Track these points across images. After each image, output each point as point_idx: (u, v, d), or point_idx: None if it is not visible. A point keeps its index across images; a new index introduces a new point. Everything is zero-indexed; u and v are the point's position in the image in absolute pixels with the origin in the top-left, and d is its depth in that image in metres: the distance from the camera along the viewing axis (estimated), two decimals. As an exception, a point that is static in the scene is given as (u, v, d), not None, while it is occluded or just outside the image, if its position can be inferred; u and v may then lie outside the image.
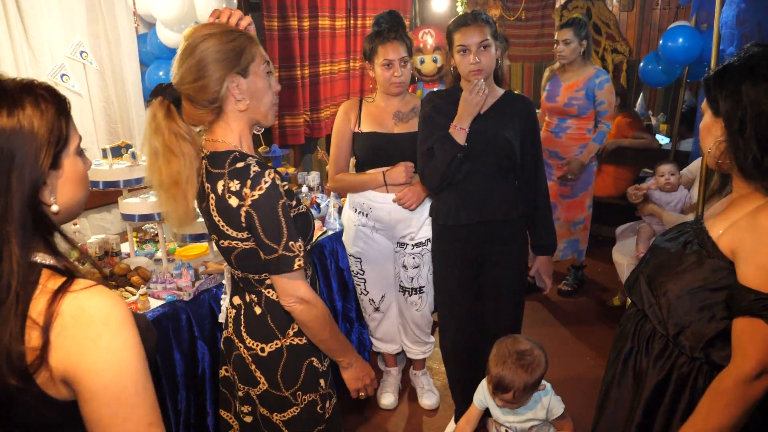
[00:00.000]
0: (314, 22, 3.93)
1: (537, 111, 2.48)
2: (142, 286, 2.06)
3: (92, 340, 0.80)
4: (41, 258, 0.85)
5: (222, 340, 1.62)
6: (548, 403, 1.88)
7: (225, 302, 1.62)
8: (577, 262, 3.81)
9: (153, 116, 1.32)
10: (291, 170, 3.33)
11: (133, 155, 2.22)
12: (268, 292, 1.45)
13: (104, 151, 2.26)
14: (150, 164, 1.34)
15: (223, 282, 1.62)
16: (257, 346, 1.47)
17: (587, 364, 3.01)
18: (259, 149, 3.38)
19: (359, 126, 2.40)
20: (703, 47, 3.65)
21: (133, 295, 2.02)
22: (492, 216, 2.11)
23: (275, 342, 1.47)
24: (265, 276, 1.42)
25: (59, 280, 0.83)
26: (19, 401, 0.81)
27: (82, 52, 2.52)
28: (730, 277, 1.18)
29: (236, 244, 1.38)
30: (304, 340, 1.49)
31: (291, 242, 1.33)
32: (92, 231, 2.75)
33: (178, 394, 1.98)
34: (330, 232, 2.71)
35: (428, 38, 4.43)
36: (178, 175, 1.31)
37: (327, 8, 4.01)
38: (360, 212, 2.47)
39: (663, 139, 4.50)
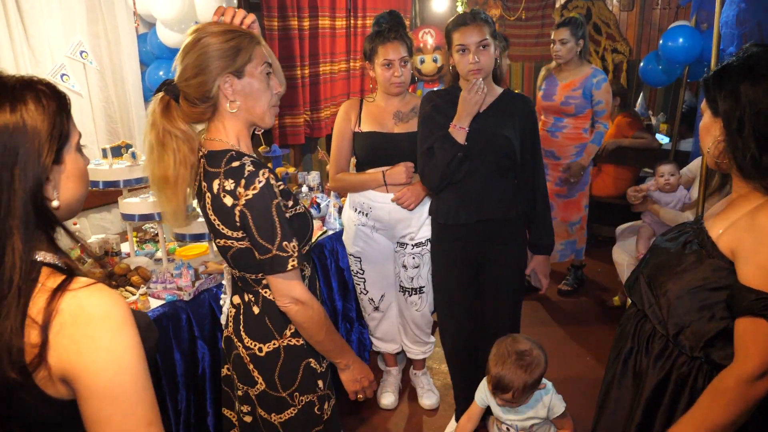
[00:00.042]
0: (314, 21, 3.93)
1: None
2: (142, 285, 2.06)
3: (91, 338, 0.80)
4: (41, 256, 0.85)
5: (223, 339, 1.63)
6: (549, 401, 1.88)
7: (225, 302, 1.62)
8: (577, 261, 3.82)
9: (152, 111, 1.34)
10: (291, 170, 3.33)
11: (133, 155, 2.22)
12: (265, 292, 1.45)
13: (104, 150, 2.26)
14: (146, 159, 1.37)
15: (223, 282, 1.62)
16: (255, 345, 1.47)
17: (587, 364, 3.01)
18: (259, 149, 3.38)
19: (359, 126, 2.40)
20: (703, 47, 3.65)
21: (133, 294, 2.02)
22: (491, 215, 2.11)
23: (273, 342, 1.47)
24: (262, 276, 1.41)
25: (58, 279, 0.83)
26: (17, 400, 0.81)
27: (82, 52, 2.52)
28: (729, 277, 1.18)
29: (232, 243, 1.38)
30: (302, 341, 1.48)
31: (285, 242, 1.32)
32: (92, 231, 2.75)
33: (178, 394, 1.98)
34: (330, 232, 2.72)
35: (428, 38, 4.43)
36: (168, 171, 1.33)
37: (327, 8, 4.01)
38: (360, 212, 2.47)
39: (663, 139, 4.50)
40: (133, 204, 2.18)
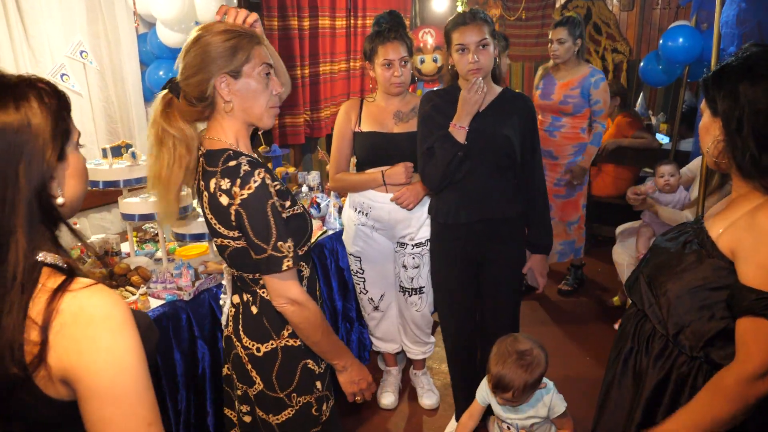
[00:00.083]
0: (314, 21, 3.93)
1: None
2: (142, 285, 2.06)
3: (92, 339, 0.80)
4: (42, 256, 0.85)
5: (223, 338, 1.63)
6: (550, 401, 1.88)
7: (226, 303, 1.62)
8: (577, 260, 3.82)
9: (154, 108, 1.36)
10: (291, 170, 3.33)
11: (133, 155, 2.22)
12: (263, 292, 1.45)
13: (104, 150, 2.26)
14: (147, 156, 1.40)
15: (223, 282, 1.62)
16: (253, 345, 1.47)
17: (587, 364, 3.01)
18: (260, 149, 3.38)
19: (359, 126, 2.40)
20: (703, 47, 3.65)
21: (133, 294, 2.02)
22: (491, 214, 2.11)
23: (270, 342, 1.47)
24: (259, 276, 1.41)
25: (59, 279, 0.83)
26: (17, 400, 0.81)
27: (82, 52, 2.53)
28: (729, 277, 1.18)
29: (228, 242, 1.38)
30: (299, 342, 1.48)
31: (280, 242, 1.32)
32: (92, 231, 2.75)
33: (178, 394, 1.98)
34: (330, 232, 2.72)
35: (428, 38, 4.43)
36: (162, 170, 1.34)
37: (327, 8, 4.01)
38: (360, 211, 2.47)
39: (663, 139, 4.50)
40: (133, 204, 2.18)
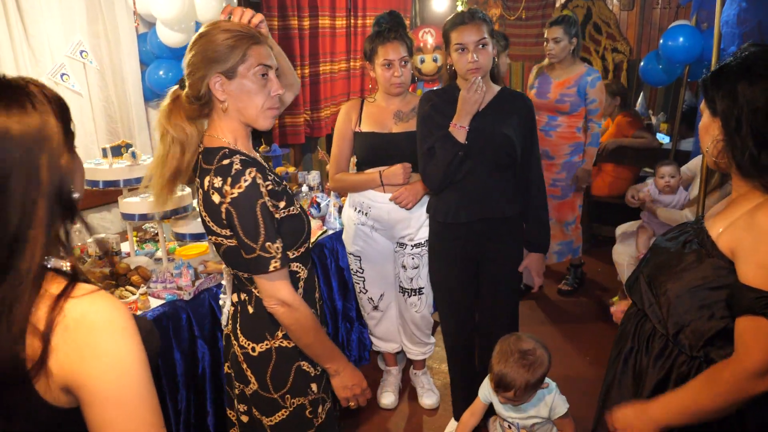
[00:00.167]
0: (314, 21, 3.93)
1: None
2: (142, 285, 2.06)
3: (94, 345, 0.81)
4: (48, 261, 0.85)
5: (224, 337, 1.63)
6: (552, 401, 1.88)
7: (226, 302, 1.62)
8: (576, 260, 3.82)
9: (163, 102, 1.40)
10: (291, 170, 3.33)
11: (133, 155, 2.22)
12: (258, 292, 1.44)
13: (104, 150, 2.26)
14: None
15: (223, 282, 1.62)
16: (249, 345, 1.47)
17: (587, 364, 3.01)
18: (260, 149, 3.38)
19: (360, 126, 2.40)
20: (703, 47, 3.65)
21: (133, 294, 2.03)
22: (491, 213, 2.12)
23: (265, 343, 1.46)
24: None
25: (61, 284, 0.84)
26: (16, 405, 0.81)
27: (82, 52, 2.53)
28: (729, 276, 1.19)
29: (221, 240, 1.38)
30: (293, 343, 1.47)
31: (268, 243, 1.31)
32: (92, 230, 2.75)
33: (178, 394, 1.98)
34: (330, 232, 2.72)
35: (428, 38, 4.43)
36: (157, 160, 1.38)
37: (327, 8, 4.01)
38: (360, 211, 2.47)
39: (663, 139, 4.50)
40: (133, 203, 2.18)
